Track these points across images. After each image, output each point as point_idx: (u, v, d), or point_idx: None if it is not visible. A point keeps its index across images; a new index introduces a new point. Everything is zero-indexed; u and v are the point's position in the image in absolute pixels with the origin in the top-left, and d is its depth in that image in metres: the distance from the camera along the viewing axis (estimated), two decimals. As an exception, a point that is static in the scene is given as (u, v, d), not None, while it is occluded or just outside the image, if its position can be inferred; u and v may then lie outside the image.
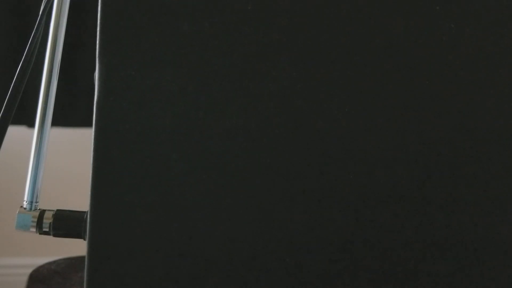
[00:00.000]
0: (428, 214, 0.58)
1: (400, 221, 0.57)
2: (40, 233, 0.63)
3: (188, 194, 0.56)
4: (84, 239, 0.60)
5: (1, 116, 0.63)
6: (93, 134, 0.56)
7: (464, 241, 0.58)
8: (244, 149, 0.56)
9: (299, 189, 0.57)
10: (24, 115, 1.66)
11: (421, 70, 0.57)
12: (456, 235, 0.58)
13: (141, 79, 0.56)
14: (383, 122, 0.57)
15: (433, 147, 0.57)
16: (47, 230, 0.63)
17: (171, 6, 0.55)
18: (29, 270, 0.94)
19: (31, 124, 1.68)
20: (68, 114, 1.72)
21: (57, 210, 0.63)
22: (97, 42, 0.55)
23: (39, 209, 0.64)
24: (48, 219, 0.63)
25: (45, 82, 0.66)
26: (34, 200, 0.65)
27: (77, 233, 0.62)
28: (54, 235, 0.63)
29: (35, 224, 0.63)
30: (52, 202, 0.67)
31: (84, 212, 0.62)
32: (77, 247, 0.73)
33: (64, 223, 0.63)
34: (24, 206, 0.64)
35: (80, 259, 0.95)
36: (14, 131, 0.91)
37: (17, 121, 1.67)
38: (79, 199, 0.90)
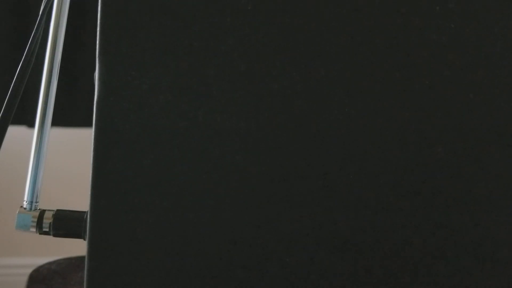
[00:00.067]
0: (428, 214, 0.58)
1: (400, 221, 0.57)
2: (40, 233, 0.63)
3: (188, 194, 0.56)
4: (84, 239, 0.60)
5: (1, 116, 0.63)
6: (93, 134, 0.56)
7: (464, 241, 0.58)
8: (244, 149, 0.56)
9: (299, 189, 0.57)
10: (24, 115, 1.66)
11: (421, 70, 0.57)
12: (456, 235, 0.58)
13: (141, 79, 0.56)
14: (383, 122, 0.57)
15: (433, 147, 0.57)
16: (47, 230, 0.63)
17: (171, 6, 0.55)
18: (29, 270, 0.94)
19: (31, 124, 1.68)
20: (68, 114, 1.72)
21: (57, 210, 0.63)
22: (97, 42, 0.55)
23: (39, 209, 0.64)
24: (48, 219, 0.63)
25: (45, 82, 0.66)
26: (34, 200, 0.65)
27: (77, 233, 0.62)
28: (54, 235, 0.63)
29: (35, 224, 0.63)
30: (52, 202, 0.67)
31: (84, 212, 0.62)
32: (77, 247, 0.73)
33: (64, 223, 0.63)
34: (24, 206, 0.64)
35: (80, 259, 0.95)
36: (14, 131, 0.91)
37: (17, 121, 1.67)
38: (79, 199, 0.90)
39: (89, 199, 0.56)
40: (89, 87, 1.71)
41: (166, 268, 0.57)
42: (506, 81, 0.57)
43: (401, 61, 0.57)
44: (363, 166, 0.57)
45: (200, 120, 0.56)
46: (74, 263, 0.95)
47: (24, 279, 0.92)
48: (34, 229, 0.63)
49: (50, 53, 0.66)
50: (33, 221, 0.63)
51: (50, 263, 0.95)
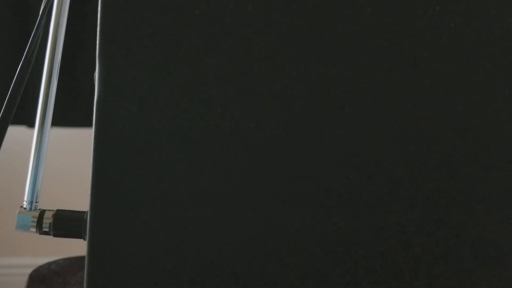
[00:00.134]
0: (428, 214, 0.58)
1: (400, 221, 0.57)
2: (40, 233, 0.63)
3: (188, 194, 0.56)
4: (84, 239, 0.60)
5: (1, 116, 0.63)
6: (93, 134, 0.56)
7: (464, 241, 0.58)
8: (244, 149, 0.56)
9: (298, 189, 0.57)
10: (24, 115, 1.66)
11: (421, 70, 0.57)
12: (456, 235, 0.58)
13: (141, 79, 0.56)
14: (383, 122, 0.57)
15: (433, 147, 0.57)
16: (47, 230, 0.63)
17: (171, 6, 0.55)
18: (29, 270, 0.94)
19: (31, 124, 1.68)
20: (68, 114, 1.72)
21: (57, 210, 0.63)
22: (97, 42, 0.55)
23: (39, 209, 0.64)
24: (48, 219, 0.63)
25: (45, 82, 0.66)
26: (34, 200, 0.65)
27: (77, 233, 0.62)
28: (54, 235, 0.63)
29: (35, 224, 0.63)
30: (52, 202, 0.67)
31: (84, 212, 0.62)
32: (77, 247, 0.73)
33: (64, 223, 0.63)
34: (24, 206, 0.64)
35: (80, 259, 0.95)
36: (14, 131, 0.91)
37: (17, 121, 1.67)
38: (79, 199, 0.90)
39: (89, 199, 0.56)
40: (89, 87, 1.71)
41: (166, 268, 0.57)
42: (506, 81, 0.57)
43: (401, 61, 0.57)
44: (363, 166, 0.57)
45: (200, 120, 0.56)
46: (74, 263, 0.95)
47: (24, 279, 0.92)
48: (34, 229, 0.63)
49: (50, 53, 0.66)
50: (33, 221, 0.63)
51: (50, 263, 0.95)
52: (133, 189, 0.56)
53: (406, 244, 0.58)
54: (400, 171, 0.57)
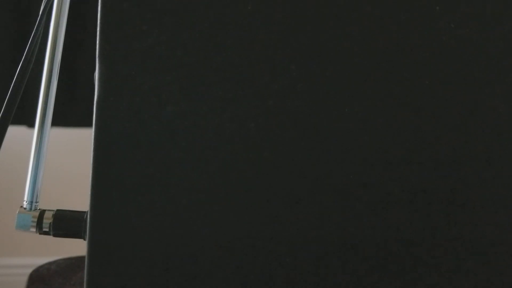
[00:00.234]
0: (428, 214, 0.58)
1: (401, 221, 0.57)
2: (40, 233, 0.63)
3: (188, 194, 0.56)
4: (84, 239, 0.60)
5: (1, 116, 0.63)
6: (93, 134, 0.56)
7: (464, 240, 0.58)
8: (244, 149, 0.56)
9: (298, 189, 0.57)
10: (24, 115, 1.66)
11: (421, 70, 0.57)
12: (456, 235, 0.58)
13: (141, 79, 0.56)
14: (383, 122, 0.57)
15: (433, 147, 0.57)
16: (47, 230, 0.63)
17: (171, 6, 0.55)
18: (29, 270, 0.94)
19: (31, 124, 1.68)
20: (68, 114, 1.72)
21: (57, 210, 0.63)
22: (97, 42, 0.55)
23: (39, 209, 0.64)
24: (48, 219, 0.63)
25: (45, 82, 0.66)
26: (34, 200, 0.65)
27: (77, 233, 0.62)
28: (54, 235, 0.63)
29: (35, 224, 0.63)
30: (52, 202, 0.67)
31: (84, 212, 0.62)
32: (77, 247, 0.73)
33: (64, 223, 0.63)
34: (24, 206, 0.64)
35: (80, 259, 0.95)
36: (14, 131, 0.91)
37: (17, 121, 1.67)
38: (79, 199, 0.90)
39: (89, 199, 0.56)
40: (89, 87, 1.71)
41: (166, 268, 0.57)
42: (506, 81, 0.57)
43: (401, 61, 0.57)
44: (363, 166, 0.57)
45: (200, 120, 0.56)
46: (74, 263, 0.95)
47: (24, 279, 0.92)
48: (34, 229, 0.63)
49: (50, 53, 0.66)
50: (33, 221, 0.63)
51: (50, 263, 0.95)
52: (133, 189, 0.56)
53: (407, 244, 0.58)
54: (400, 171, 0.57)
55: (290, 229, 0.57)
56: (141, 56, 0.55)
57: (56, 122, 0.77)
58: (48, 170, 0.69)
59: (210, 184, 0.56)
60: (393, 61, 0.57)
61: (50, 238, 0.64)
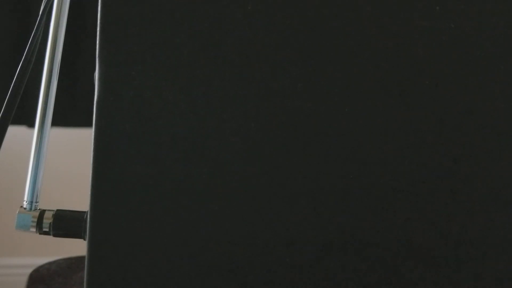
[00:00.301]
0: (428, 214, 0.58)
1: (401, 221, 0.57)
2: (40, 233, 0.63)
3: (188, 194, 0.56)
4: (84, 239, 0.60)
5: (1, 116, 0.63)
6: (93, 134, 0.56)
7: (464, 240, 0.58)
8: (243, 149, 0.56)
9: (298, 190, 0.57)
10: (24, 115, 1.66)
11: (421, 70, 0.57)
12: (456, 234, 0.58)
13: (141, 79, 0.56)
14: (383, 122, 0.57)
15: (433, 147, 0.57)
16: (47, 230, 0.63)
17: (171, 6, 0.55)
18: (29, 270, 0.94)
19: (31, 124, 1.68)
20: (68, 114, 1.72)
21: (57, 210, 0.63)
22: (97, 42, 0.55)
23: (39, 209, 0.64)
24: (48, 219, 0.63)
25: (45, 82, 0.66)
26: (34, 200, 0.65)
27: (77, 233, 0.62)
28: (54, 235, 0.63)
29: (35, 224, 0.63)
30: (52, 202, 0.67)
31: (84, 212, 0.62)
32: (77, 247, 0.73)
33: (64, 223, 0.63)
34: (24, 206, 0.64)
35: (80, 259, 0.95)
36: (14, 131, 0.91)
37: (17, 121, 1.67)
38: (79, 199, 0.90)
39: (89, 199, 0.56)
40: (89, 87, 1.71)
41: (166, 268, 0.57)
42: (506, 81, 0.57)
43: (401, 61, 0.57)
44: (363, 166, 0.57)
45: (200, 120, 0.56)
46: (74, 263, 0.95)
47: (24, 279, 0.92)
48: (34, 229, 0.63)
49: (50, 53, 0.66)
50: (33, 221, 0.63)
51: (50, 263, 0.95)
52: (133, 189, 0.56)
53: (407, 244, 0.58)
54: (400, 171, 0.57)
55: (290, 229, 0.57)
56: (141, 56, 0.55)
57: (56, 122, 0.77)
58: (48, 170, 0.69)
59: (210, 184, 0.56)
60: (393, 61, 0.57)
61: (50, 238, 0.64)
